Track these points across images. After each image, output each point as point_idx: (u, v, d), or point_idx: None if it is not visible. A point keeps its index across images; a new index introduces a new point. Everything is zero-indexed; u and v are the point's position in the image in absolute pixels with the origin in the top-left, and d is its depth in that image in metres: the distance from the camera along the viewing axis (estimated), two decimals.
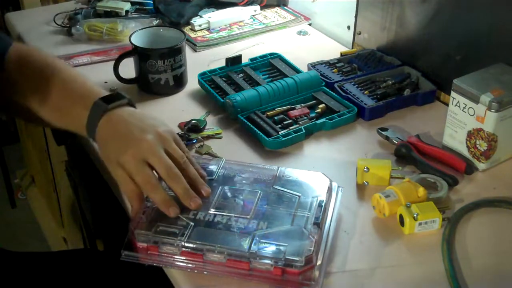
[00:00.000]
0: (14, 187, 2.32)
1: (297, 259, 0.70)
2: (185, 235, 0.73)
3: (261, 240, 0.72)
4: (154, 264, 0.73)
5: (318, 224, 0.75)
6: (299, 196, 0.80)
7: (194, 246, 0.72)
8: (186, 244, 0.72)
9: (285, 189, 0.81)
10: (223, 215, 0.77)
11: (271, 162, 0.94)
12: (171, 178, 0.76)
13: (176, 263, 0.73)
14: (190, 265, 0.72)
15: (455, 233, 0.80)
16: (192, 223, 0.75)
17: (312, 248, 0.71)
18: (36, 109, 0.86)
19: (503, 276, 0.75)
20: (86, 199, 1.31)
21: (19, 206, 2.32)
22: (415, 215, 0.79)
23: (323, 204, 0.78)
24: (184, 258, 0.72)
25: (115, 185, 0.91)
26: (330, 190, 0.82)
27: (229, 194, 0.81)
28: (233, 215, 0.77)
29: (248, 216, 0.77)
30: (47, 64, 0.88)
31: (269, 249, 0.71)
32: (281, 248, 0.71)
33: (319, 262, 0.72)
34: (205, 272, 0.72)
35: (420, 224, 0.79)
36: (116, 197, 0.92)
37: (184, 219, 0.75)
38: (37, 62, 0.88)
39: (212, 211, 0.77)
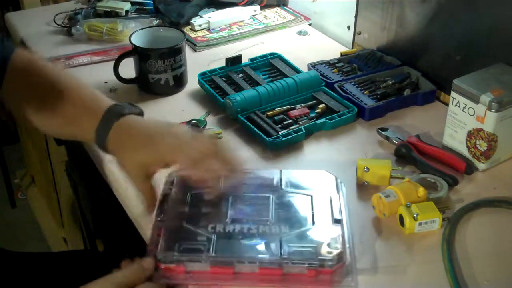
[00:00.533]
0: (14, 187, 2.32)
1: (330, 258, 0.69)
2: (211, 250, 0.71)
3: (289, 244, 0.71)
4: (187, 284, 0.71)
5: (339, 220, 0.75)
6: (311, 196, 0.80)
7: (223, 259, 0.70)
8: (214, 259, 0.70)
9: (295, 190, 0.81)
10: (242, 224, 0.75)
11: (271, 162, 0.94)
12: (200, 164, 0.76)
13: (209, 280, 0.70)
14: (221, 280, 0.70)
15: (455, 233, 0.80)
16: (214, 237, 0.73)
17: (341, 246, 0.71)
18: (36, 116, 0.85)
19: (503, 276, 0.75)
20: (86, 199, 1.31)
21: (19, 206, 2.32)
22: (415, 215, 0.79)
23: (337, 201, 0.78)
24: (214, 273, 0.70)
25: (115, 185, 0.92)
26: (337, 186, 0.82)
27: (241, 202, 0.79)
28: (252, 223, 0.75)
29: (268, 222, 0.75)
30: (52, 72, 0.87)
31: (300, 251, 0.71)
32: (311, 249, 0.71)
33: (348, 259, 0.71)
34: (239, 285, 0.70)
35: (420, 224, 0.79)
36: (116, 197, 0.92)
37: (205, 234, 0.73)
38: (41, 70, 0.87)
39: (229, 222, 0.75)
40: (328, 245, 0.71)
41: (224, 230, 0.74)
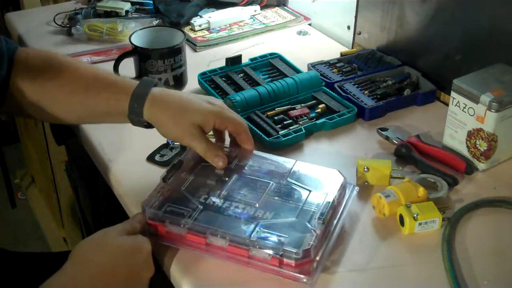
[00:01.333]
0: (14, 187, 2.32)
1: (294, 251, 0.70)
2: (192, 217, 0.76)
3: (264, 230, 0.74)
4: (162, 243, 0.76)
5: (323, 219, 0.75)
6: (310, 191, 0.81)
7: (199, 228, 0.74)
8: (192, 226, 0.75)
9: (298, 183, 0.82)
10: (232, 201, 0.79)
11: None
12: (244, 131, 0.86)
13: (180, 244, 0.76)
14: (194, 248, 0.75)
15: (455, 233, 0.80)
16: (201, 207, 0.78)
17: (312, 243, 0.71)
18: (52, 101, 0.86)
19: (503, 276, 0.75)
20: (86, 199, 1.31)
21: (19, 206, 2.32)
22: (415, 215, 0.79)
23: (331, 201, 0.78)
24: (189, 240, 0.75)
25: (115, 185, 0.92)
26: (343, 188, 0.82)
27: (242, 182, 0.82)
28: (241, 202, 0.78)
29: (256, 205, 0.78)
30: (62, 57, 0.90)
31: (270, 239, 0.73)
32: (281, 239, 0.72)
33: (318, 258, 0.72)
34: (207, 255, 0.74)
35: (420, 224, 0.79)
36: (116, 197, 0.92)
37: (195, 203, 0.78)
38: (53, 57, 0.88)
39: (221, 198, 0.79)
40: (300, 239, 0.72)
41: (213, 204, 0.78)
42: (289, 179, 0.83)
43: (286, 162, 0.87)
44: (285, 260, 0.71)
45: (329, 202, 0.77)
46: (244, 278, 0.73)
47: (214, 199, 0.79)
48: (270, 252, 0.71)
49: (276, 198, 0.80)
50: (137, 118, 0.84)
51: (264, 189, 0.81)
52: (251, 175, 0.84)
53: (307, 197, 0.79)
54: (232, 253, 0.73)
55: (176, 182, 0.82)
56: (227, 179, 0.83)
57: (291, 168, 0.85)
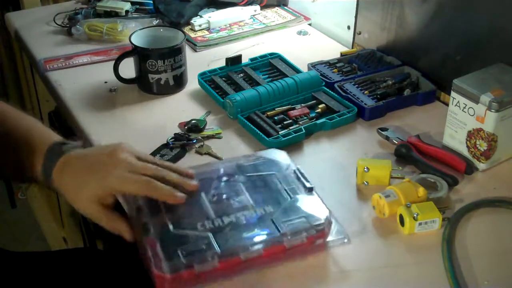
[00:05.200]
0: (14, 187, 2.32)
1: (322, 221, 0.74)
2: (214, 246, 0.71)
3: (282, 220, 0.75)
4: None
5: (311, 188, 0.79)
6: (275, 173, 0.83)
7: (229, 252, 0.71)
8: (222, 253, 0.70)
9: (258, 173, 0.83)
10: (228, 215, 0.76)
11: None
12: (152, 190, 0.75)
13: (218, 276, 0.71)
14: (231, 273, 0.71)
15: (455, 233, 0.80)
16: (209, 234, 0.73)
17: (326, 209, 0.76)
18: None
19: (503, 276, 0.75)
20: None
21: (19, 206, 2.31)
22: (415, 215, 0.79)
23: (295, 168, 0.83)
24: (223, 268, 0.70)
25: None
26: (290, 157, 0.86)
27: (214, 197, 0.79)
28: (237, 212, 0.77)
29: (251, 207, 0.77)
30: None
31: (295, 224, 0.74)
32: (301, 219, 0.75)
33: (333, 220, 0.76)
34: (250, 271, 0.72)
35: (420, 224, 0.79)
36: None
37: (198, 233, 0.73)
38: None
39: (215, 217, 0.76)
40: (312, 211, 0.76)
41: (215, 225, 0.74)
42: (247, 174, 0.83)
43: (226, 161, 0.87)
44: (317, 233, 0.73)
45: (295, 170, 0.82)
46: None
47: (210, 222, 0.75)
48: (304, 234, 0.73)
49: (255, 194, 0.79)
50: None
51: (240, 191, 0.80)
52: (212, 187, 0.81)
53: (277, 178, 0.82)
54: (269, 256, 0.72)
55: (158, 229, 0.74)
56: (203, 198, 0.78)
57: (237, 163, 0.85)
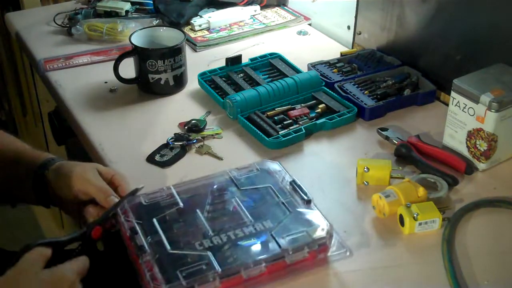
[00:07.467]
0: None
1: (323, 235, 0.72)
2: (215, 265, 0.69)
3: (282, 235, 0.73)
4: None
5: (310, 201, 0.77)
6: (270, 186, 0.81)
7: (230, 270, 0.68)
8: (222, 273, 0.68)
9: (252, 186, 0.82)
10: (226, 233, 0.74)
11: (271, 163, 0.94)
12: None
13: None
14: None
15: (455, 233, 0.80)
16: (208, 253, 0.70)
17: (324, 222, 0.74)
18: None
19: (503, 276, 0.75)
20: None
21: (19, 206, 2.31)
22: (415, 215, 0.79)
23: (291, 180, 0.81)
24: (226, 287, 0.69)
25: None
26: (284, 169, 0.84)
27: (209, 213, 0.78)
28: (235, 228, 0.75)
29: (249, 223, 0.76)
30: None
31: (295, 239, 0.72)
32: (303, 233, 0.73)
33: (333, 233, 0.74)
34: None
35: (420, 224, 0.79)
36: None
37: (197, 253, 0.71)
38: None
39: (212, 235, 0.74)
40: (313, 224, 0.74)
41: (213, 243, 0.72)
42: (242, 188, 0.81)
43: (218, 175, 0.84)
44: (319, 248, 0.72)
45: (291, 182, 0.80)
46: None
47: (207, 240, 0.73)
48: (306, 249, 0.71)
49: (252, 208, 0.77)
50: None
51: (235, 207, 0.78)
52: (207, 203, 0.79)
53: (274, 191, 0.80)
54: (271, 273, 0.70)
55: (155, 249, 0.71)
56: (199, 214, 0.77)
57: (230, 177, 0.83)
